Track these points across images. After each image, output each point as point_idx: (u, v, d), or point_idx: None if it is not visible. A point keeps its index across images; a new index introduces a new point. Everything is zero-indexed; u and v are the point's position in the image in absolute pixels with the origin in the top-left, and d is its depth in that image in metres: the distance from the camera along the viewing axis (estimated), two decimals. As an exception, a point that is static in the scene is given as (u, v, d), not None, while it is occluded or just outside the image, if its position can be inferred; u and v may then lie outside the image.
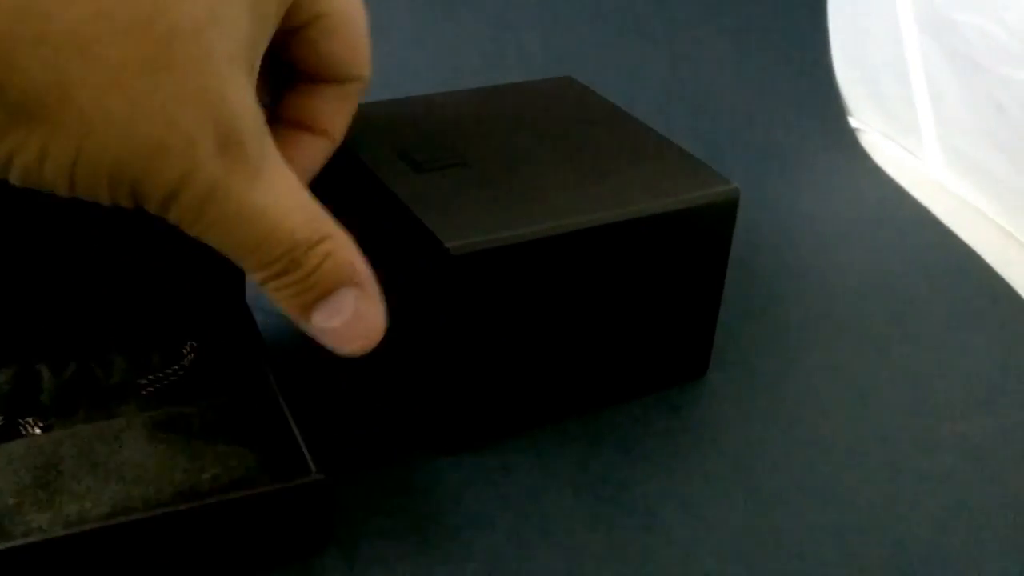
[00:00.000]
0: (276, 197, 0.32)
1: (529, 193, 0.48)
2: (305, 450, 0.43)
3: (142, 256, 0.48)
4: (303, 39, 0.38)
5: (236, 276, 0.50)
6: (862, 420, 0.54)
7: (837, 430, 0.53)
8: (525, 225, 0.46)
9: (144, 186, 0.30)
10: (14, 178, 0.30)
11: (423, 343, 0.48)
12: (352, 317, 0.34)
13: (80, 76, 0.28)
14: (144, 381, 0.48)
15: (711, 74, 0.85)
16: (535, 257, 0.46)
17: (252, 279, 0.34)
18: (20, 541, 0.38)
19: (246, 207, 0.31)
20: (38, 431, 0.45)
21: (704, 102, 0.82)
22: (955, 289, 0.63)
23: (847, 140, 0.81)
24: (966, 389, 0.56)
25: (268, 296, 0.34)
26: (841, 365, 0.58)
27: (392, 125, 0.54)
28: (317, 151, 0.40)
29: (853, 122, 0.83)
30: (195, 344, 0.49)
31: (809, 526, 0.47)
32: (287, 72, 0.39)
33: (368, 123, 0.51)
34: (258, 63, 0.33)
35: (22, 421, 0.45)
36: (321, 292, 0.34)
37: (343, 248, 0.34)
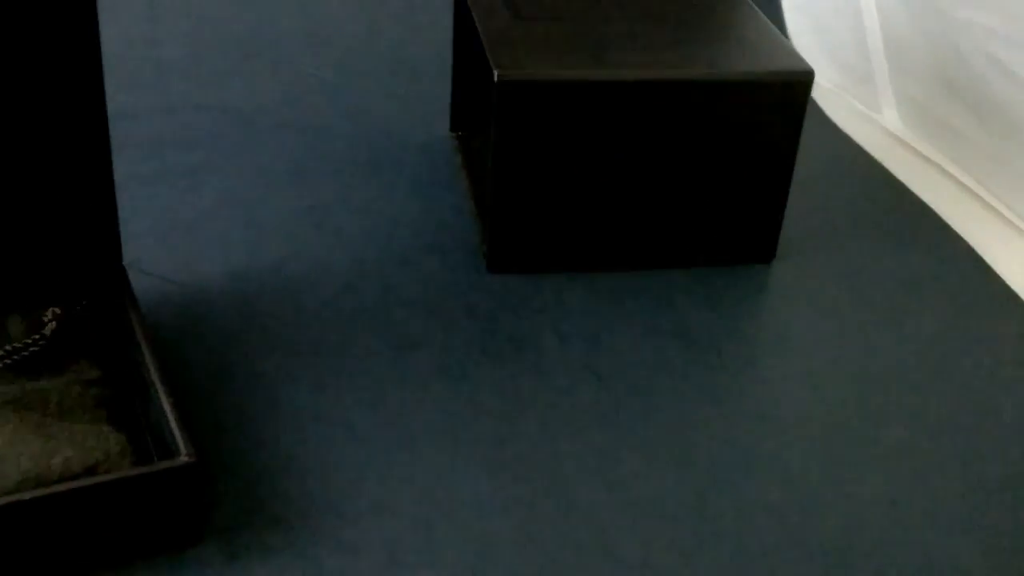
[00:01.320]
0: None
1: (604, 45, 0.52)
2: (176, 430, 0.37)
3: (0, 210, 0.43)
4: None
5: (111, 234, 0.45)
6: (808, 390, 0.49)
7: (781, 401, 0.49)
8: (582, 68, 0.50)
9: None
10: None
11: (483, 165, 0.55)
12: None
13: None
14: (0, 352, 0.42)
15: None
16: (587, 99, 0.50)
17: None
18: None
19: None
20: None
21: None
22: (910, 250, 0.59)
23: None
24: (921, 357, 0.52)
25: None
26: (785, 330, 0.54)
27: None
28: None
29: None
30: (58, 311, 0.43)
31: (748, 503, 0.43)
32: None
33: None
34: None
35: None
36: None
37: None
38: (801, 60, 0.53)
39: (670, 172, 0.53)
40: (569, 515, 0.42)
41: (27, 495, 0.34)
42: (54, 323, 0.43)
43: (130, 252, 0.48)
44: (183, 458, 0.36)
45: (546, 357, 0.50)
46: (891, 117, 0.70)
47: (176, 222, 0.56)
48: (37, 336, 0.42)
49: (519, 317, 0.52)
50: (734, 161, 0.53)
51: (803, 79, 0.52)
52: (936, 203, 0.62)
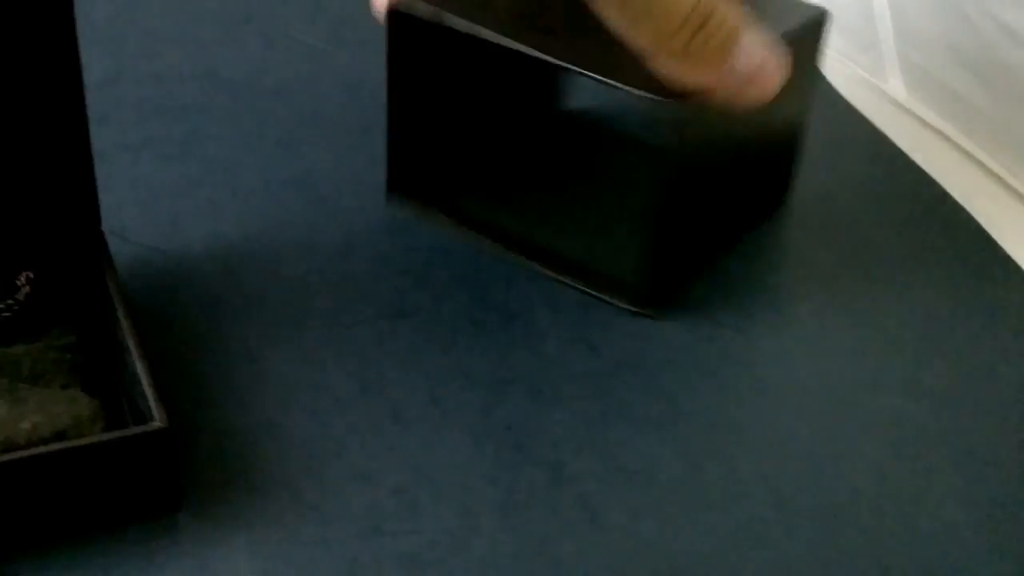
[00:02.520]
0: None
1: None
2: (150, 395, 0.37)
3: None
4: None
5: (88, 196, 0.44)
6: (803, 359, 0.48)
7: (777, 371, 0.47)
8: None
9: None
10: None
11: None
12: (766, 52, 0.40)
13: None
14: (-28, 317, 0.41)
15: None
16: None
17: (664, 50, 0.40)
18: None
19: None
20: None
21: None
22: (911, 221, 0.58)
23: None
24: (920, 328, 0.51)
25: (674, 70, 0.40)
26: (781, 301, 0.52)
27: None
28: None
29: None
30: (31, 275, 0.42)
31: (738, 474, 0.42)
32: None
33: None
34: None
35: None
36: (733, 34, 0.39)
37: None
38: (812, 4, 0.51)
39: None
40: (554, 484, 0.41)
41: None
42: (28, 287, 0.42)
43: (114, 221, 0.47)
44: (155, 423, 0.36)
45: (537, 327, 0.48)
46: (896, 85, 0.69)
47: (161, 191, 0.55)
48: (11, 301, 0.41)
49: (511, 286, 0.51)
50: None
51: (820, 17, 0.50)
52: (939, 173, 0.61)
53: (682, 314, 0.50)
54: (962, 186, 0.60)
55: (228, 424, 0.42)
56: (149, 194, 0.54)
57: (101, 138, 0.44)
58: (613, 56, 0.42)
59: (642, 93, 0.43)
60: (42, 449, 0.34)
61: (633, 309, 0.49)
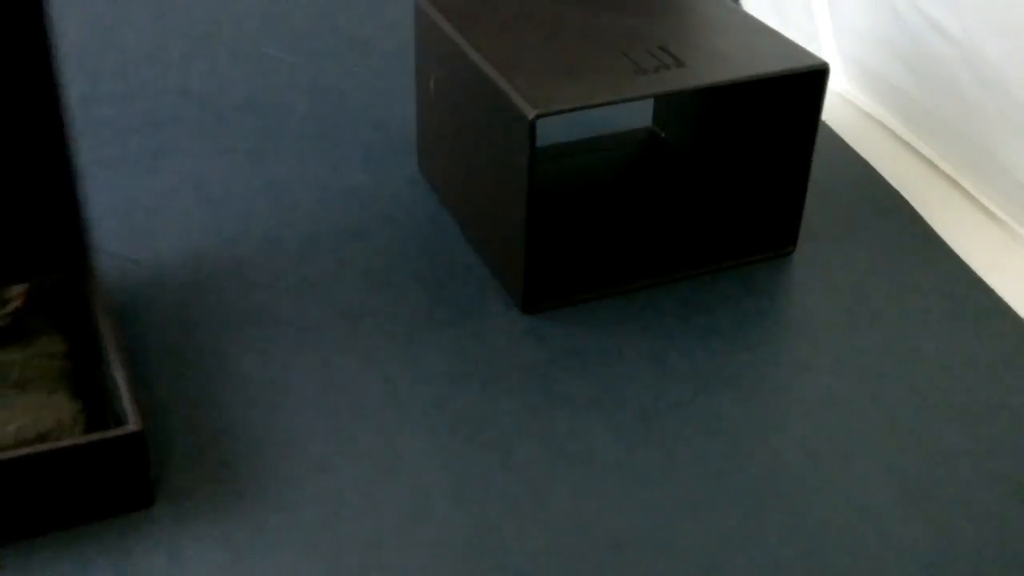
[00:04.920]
0: None
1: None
2: (127, 400, 0.40)
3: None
4: None
5: (75, 215, 0.47)
6: (734, 341, 0.51)
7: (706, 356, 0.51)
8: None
9: None
10: None
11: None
12: None
13: None
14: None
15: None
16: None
17: None
18: None
19: None
20: None
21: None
22: (849, 206, 0.61)
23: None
24: (847, 304, 0.54)
25: None
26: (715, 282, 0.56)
27: None
28: None
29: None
30: (22, 291, 0.45)
31: (679, 452, 0.45)
32: None
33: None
34: None
35: None
36: None
37: None
38: (812, 54, 0.53)
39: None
40: (504, 470, 0.44)
41: None
42: (19, 302, 0.45)
43: (93, 234, 0.50)
44: (130, 427, 0.39)
45: (492, 323, 0.52)
46: (836, 76, 0.72)
47: (137, 204, 0.58)
48: (5, 312, 0.45)
49: (466, 284, 0.54)
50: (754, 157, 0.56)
51: (820, 67, 0.51)
52: (878, 160, 0.64)
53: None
54: (900, 172, 0.63)
55: (199, 422, 0.45)
56: (125, 207, 0.58)
57: (79, 154, 0.47)
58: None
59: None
60: (26, 450, 0.38)
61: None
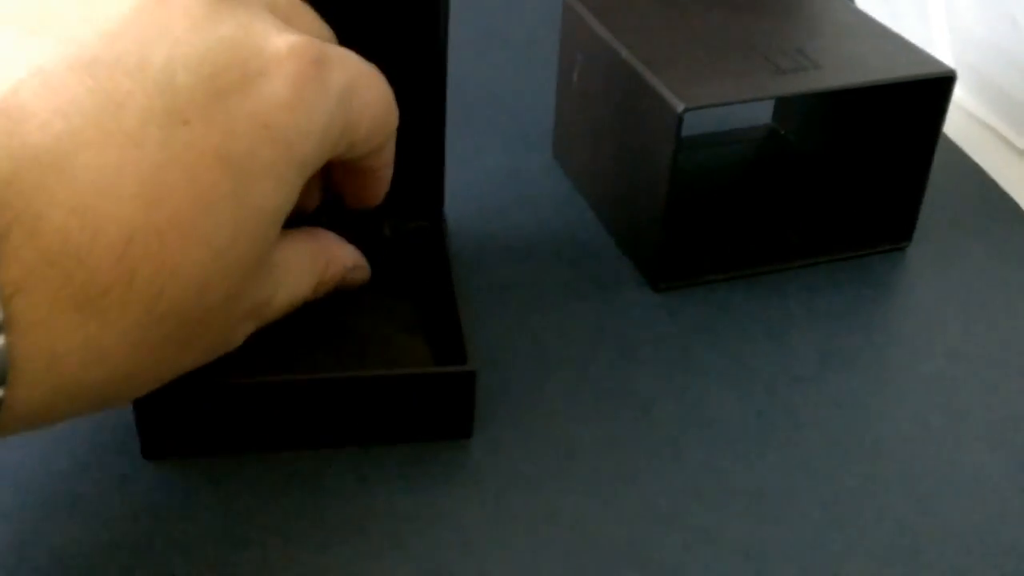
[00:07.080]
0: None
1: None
2: (468, 340, 0.47)
3: None
4: (336, 167, 0.46)
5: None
6: (852, 325, 0.55)
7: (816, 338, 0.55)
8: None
9: None
10: None
11: None
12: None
13: None
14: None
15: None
16: None
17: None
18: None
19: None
20: None
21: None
22: (962, 209, 0.64)
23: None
24: (960, 297, 0.57)
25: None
26: (834, 271, 0.59)
27: None
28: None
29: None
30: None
31: (778, 432, 0.49)
32: None
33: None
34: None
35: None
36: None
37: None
38: (938, 60, 0.55)
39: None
40: (642, 424, 0.49)
41: (336, 375, 0.45)
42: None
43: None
44: (467, 367, 0.46)
45: (626, 297, 0.56)
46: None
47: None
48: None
49: (600, 262, 0.58)
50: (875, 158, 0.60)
51: (947, 74, 0.54)
52: (991, 167, 0.67)
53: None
54: (1012, 178, 0.66)
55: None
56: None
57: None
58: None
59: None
60: (380, 371, 0.46)
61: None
